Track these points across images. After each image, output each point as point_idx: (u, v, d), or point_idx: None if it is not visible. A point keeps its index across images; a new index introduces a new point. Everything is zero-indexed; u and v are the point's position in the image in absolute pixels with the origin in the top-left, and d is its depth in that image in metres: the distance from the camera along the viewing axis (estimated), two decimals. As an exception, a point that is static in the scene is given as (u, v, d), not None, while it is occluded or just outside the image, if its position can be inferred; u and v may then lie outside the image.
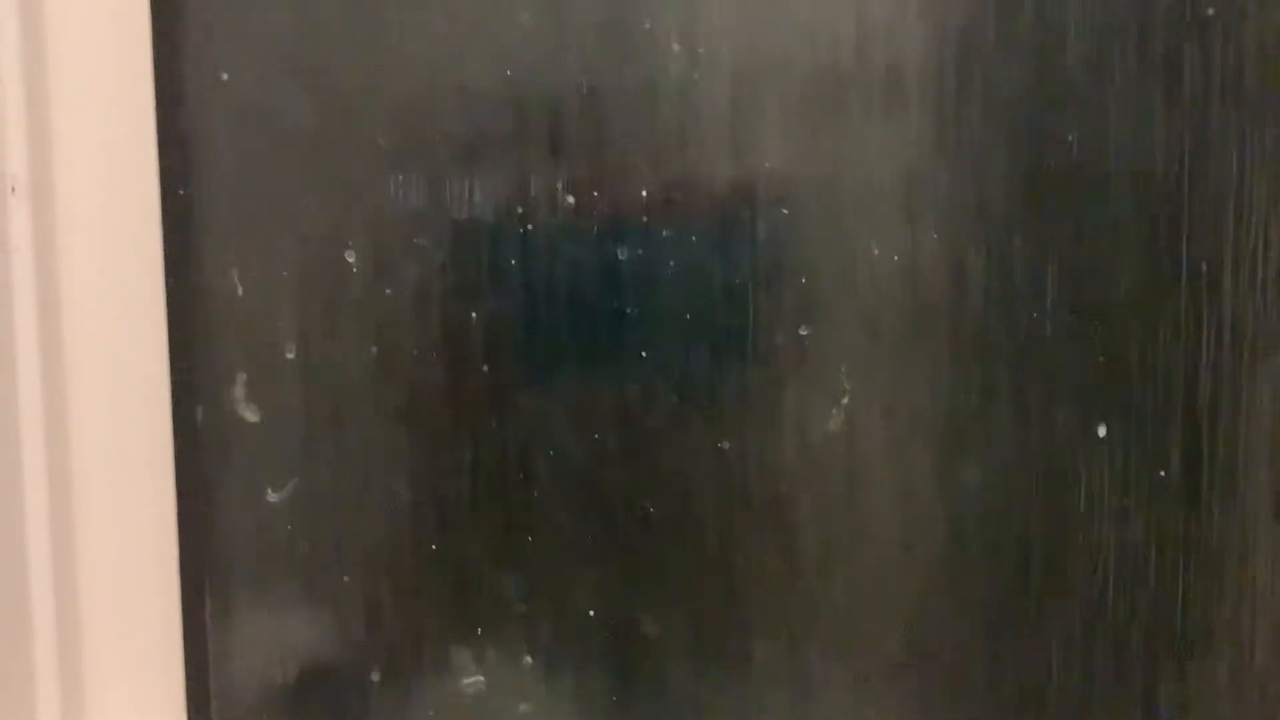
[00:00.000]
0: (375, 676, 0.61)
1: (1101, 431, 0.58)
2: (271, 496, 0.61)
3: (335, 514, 0.61)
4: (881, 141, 0.57)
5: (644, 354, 0.58)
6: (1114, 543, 0.58)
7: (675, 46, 0.57)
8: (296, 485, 0.61)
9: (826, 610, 0.59)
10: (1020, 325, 0.57)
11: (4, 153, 0.56)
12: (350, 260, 0.59)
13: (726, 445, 0.59)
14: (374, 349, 0.59)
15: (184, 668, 0.61)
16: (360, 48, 0.58)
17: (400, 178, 0.58)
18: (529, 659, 0.61)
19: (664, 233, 0.58)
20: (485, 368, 0.59)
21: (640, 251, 0.58)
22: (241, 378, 0.60)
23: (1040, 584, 0.58)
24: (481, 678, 0.61)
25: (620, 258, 0.58)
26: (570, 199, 0.58)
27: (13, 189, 0.56)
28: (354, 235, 0.59)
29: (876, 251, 0.57)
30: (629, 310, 0.58)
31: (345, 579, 0.61)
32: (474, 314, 0.59)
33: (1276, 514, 0.57)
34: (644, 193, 0.58)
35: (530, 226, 0.58)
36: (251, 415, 0.60)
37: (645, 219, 0.58)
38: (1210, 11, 0.55)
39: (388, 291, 0.59)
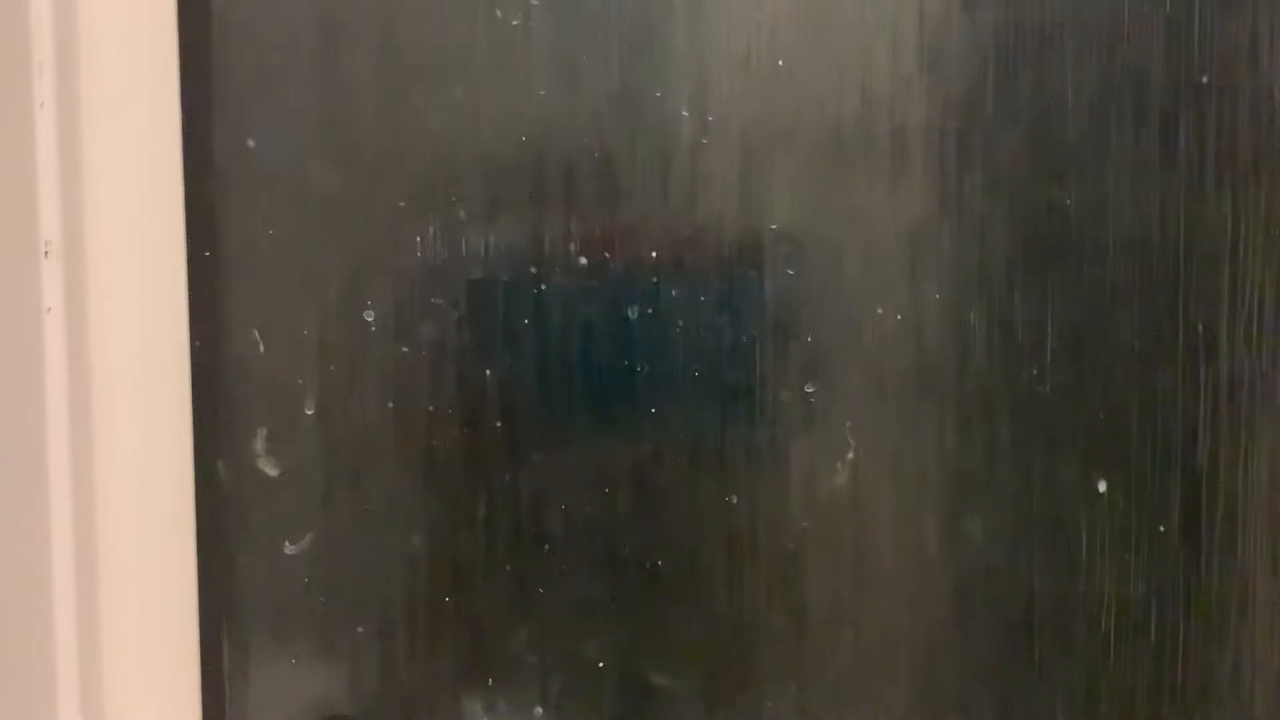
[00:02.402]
0: (389, 726, 0.62)
1: (1102, 487, 0.58)
2: (289, 549, 0.62)
3: (351, 567, 0.61)
4: (886, 205, 0.58)
5: (654, 410, 0.59)
6: (1115, 596, 0.59)
7: (685, 114, 0.58)
8: (314, 538, 0.61)
9: (833, 662, 0.60)
10: (1021, 383, 0.58)
11: (39, 218, 0.57)
12: (369, 319, 0.60)
13: (734, 500, 0.60)
14: (391, 405, 0.61)
15: (201, 718, 0.62)
16: (382, 116, 0.59)
17: (418, 239, 0.60)
18: (540, 710, 0.61)
19: (673, 293, 0.59)
20: (499, 424, 0.60)
21: (650, 311, 0.59)
22: (262, 433, 0.61)
23: (1043, 637, 0.59)
24: (493, 727, 0.62)
25: (631, 317, 0.59)
26: (583, 260, 0.59)
27: (46, 252, 0.58)
28: (373, 295, 0.60)
29: (881, 311, 0.58)
30: (639, 368, 0.59)
31: (360, 630, 0.62)
32: (488, 371, 0.60)
33: (1275, 568, 0.58)
34: (654, 254, 0.59)
35: (544, 286, 0.59)
36: (271, 469, 0.61)
37: (655, 279, 0.59)
38: (1205, 80, 0.57)
39: (405, 350, 0.60)
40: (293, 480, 0.61)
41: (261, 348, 0.61)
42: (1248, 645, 0.59)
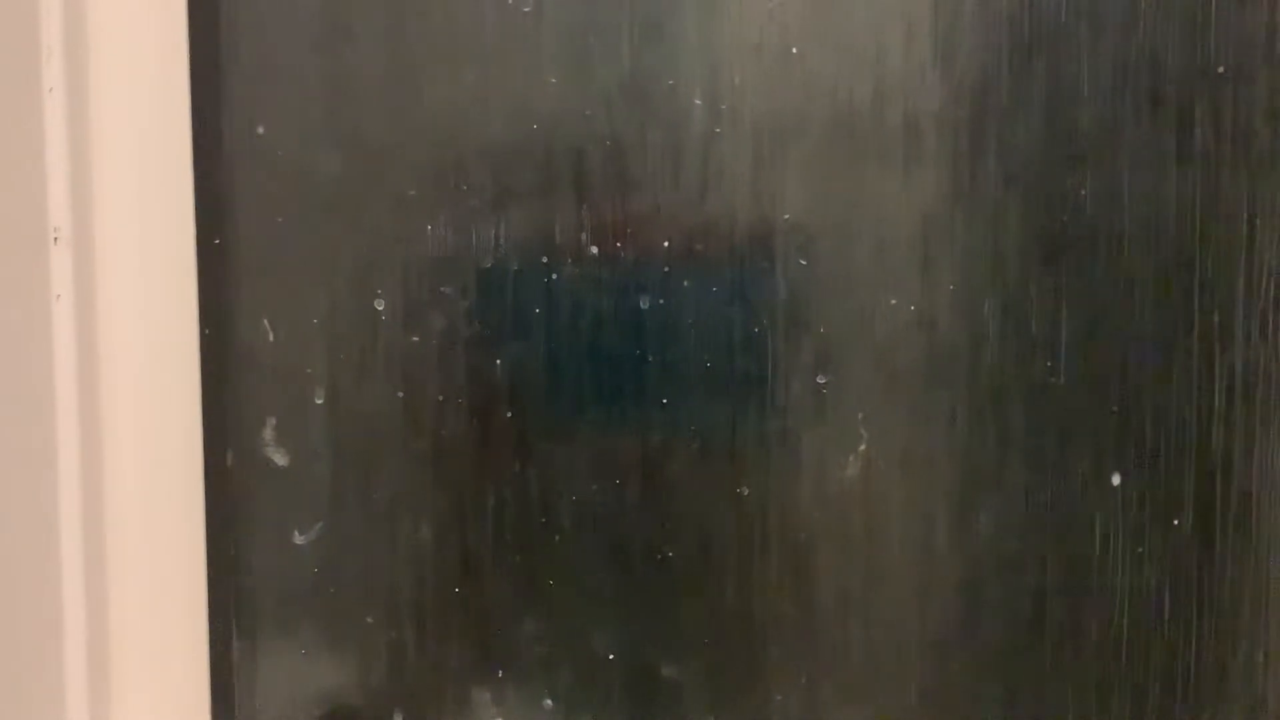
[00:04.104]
0: (398, 717, 0.62)
1: (1116, 480, 0.58)
2: (299, 539, 0.62)
3: (360, 557, 0.61)
4: (898, 194, 0.58)
5: (665, 401, 0.59)
6: (1128, 590, 0.58)
7: (697, 102, 0.58)
8: (323, 528, 0.61)
9: (844, 654, 0.60)
10: (1035, 375, 0.58)
11: (48, 205, 0.57)
12: (379, 308, 0.60)
13: (745, 491, 0.59)
14: (401, 395, 0.60)
15: (210, 707, 0.62)
16: (392, 103, 0.59)
17: (428, 228, 0.59)
18: (549, 701, 0.61)
19: (685, 282, 0.59)
20: (509, 414, 0.60)
21: (662, 300, 0.59)
22: (271, 422, 0.61)
23: (1055, 631, 0.59)
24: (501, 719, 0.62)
25: (642, 306, 0.59)
26: (594, 249, 0.59)
27: (55, 239, 0.58)
28: (383, 284, 0.60)
29: (893, 301, 0.58)
30: (650, 358, 0.59)
31: (369, 620, 0.62)
32: (499, 361, 0.60)
33: (1290, 562, 0.58)
34: (666, 243, 0.59)
35: (555, 275, 0.59)
36: (280, 459, 0.61)
37: (667, 269, 0.59)
38: (1221, 69, 0.56)
39: (415, 339, 0.60)
40: (302, 470, 0.61)
41: (271, 336, 0.61)
42: (1262, 639, 0.58)
